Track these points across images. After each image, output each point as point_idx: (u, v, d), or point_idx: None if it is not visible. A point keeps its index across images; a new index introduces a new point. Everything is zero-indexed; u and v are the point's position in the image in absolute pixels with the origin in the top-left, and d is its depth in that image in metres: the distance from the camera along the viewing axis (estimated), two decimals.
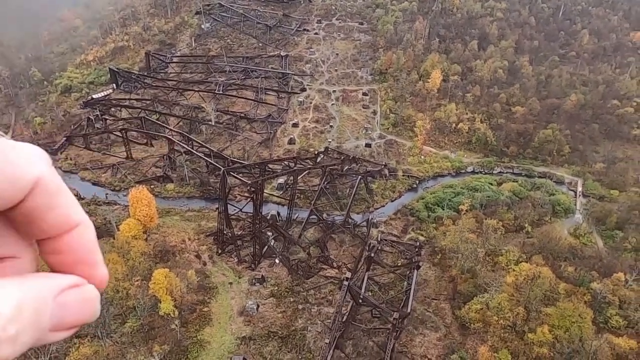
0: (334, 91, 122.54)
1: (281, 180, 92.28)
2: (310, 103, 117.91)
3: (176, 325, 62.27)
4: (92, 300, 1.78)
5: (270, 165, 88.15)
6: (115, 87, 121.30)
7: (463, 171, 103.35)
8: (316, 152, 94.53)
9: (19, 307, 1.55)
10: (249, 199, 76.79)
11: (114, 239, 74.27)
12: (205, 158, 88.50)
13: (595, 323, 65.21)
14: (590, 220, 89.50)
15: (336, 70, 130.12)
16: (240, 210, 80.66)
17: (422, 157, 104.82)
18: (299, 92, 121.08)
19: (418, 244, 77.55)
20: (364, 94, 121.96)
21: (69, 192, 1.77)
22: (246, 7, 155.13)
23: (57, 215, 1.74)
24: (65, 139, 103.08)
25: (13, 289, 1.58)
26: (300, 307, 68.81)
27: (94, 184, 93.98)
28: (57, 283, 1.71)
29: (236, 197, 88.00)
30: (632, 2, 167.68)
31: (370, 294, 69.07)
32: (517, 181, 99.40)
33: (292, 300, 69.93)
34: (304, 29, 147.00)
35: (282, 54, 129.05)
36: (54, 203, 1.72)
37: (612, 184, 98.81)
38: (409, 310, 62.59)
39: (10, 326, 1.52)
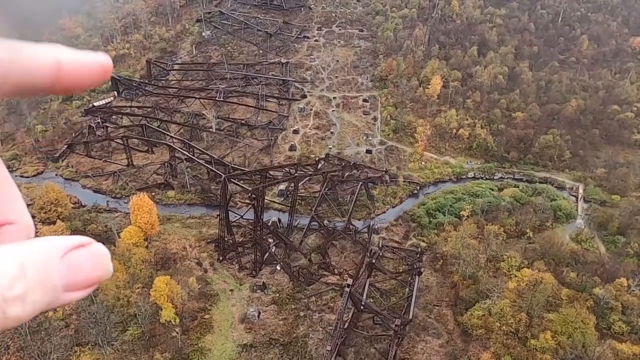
0: (335, 98, 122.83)
1: (282, 186, 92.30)
2: (311, 110, 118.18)
3: (177, 333, 62.10)
4: (102, 257, 1.78)
5: (271, 172, 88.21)
6: (116, 94, 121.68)
7: (464, 177, 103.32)
8: (317, 159, 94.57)
9: (22, 266, 1.56)
10: (250, 206, 76.75)
11: (115, 246, 74.23)
12: (206, 165, 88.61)
13: (598, 329, 64.94)
14: (592, 226, 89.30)
15: (336, 77, 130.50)
16: (241, 217, 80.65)
17: (423, 163, 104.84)
18: (299, 98, 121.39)
19: (419, 250, 77.43)
20: (365, 100, 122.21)
21: None
22: (247, 14, 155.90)
23: (33, 71, 1.72)
24: (66, 146, 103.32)
25: (15, 250, 1.60)
26: (301, 314, 68.60)
27: (95, 191, 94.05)
28: (61, 243, 1.71)
29: (237, 204, 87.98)
30: (631, 8, 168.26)
31: (371, 300, 68.88)
32: (518, 187, 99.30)
33: (293, 307, 69.73)
34: (305, 36, 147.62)
35: (283, 61, 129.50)
36: (21, 67, 1.69)
37: (614, 189, 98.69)
38: (410, 317, 62.37)
39: (17, 284, 1.53)
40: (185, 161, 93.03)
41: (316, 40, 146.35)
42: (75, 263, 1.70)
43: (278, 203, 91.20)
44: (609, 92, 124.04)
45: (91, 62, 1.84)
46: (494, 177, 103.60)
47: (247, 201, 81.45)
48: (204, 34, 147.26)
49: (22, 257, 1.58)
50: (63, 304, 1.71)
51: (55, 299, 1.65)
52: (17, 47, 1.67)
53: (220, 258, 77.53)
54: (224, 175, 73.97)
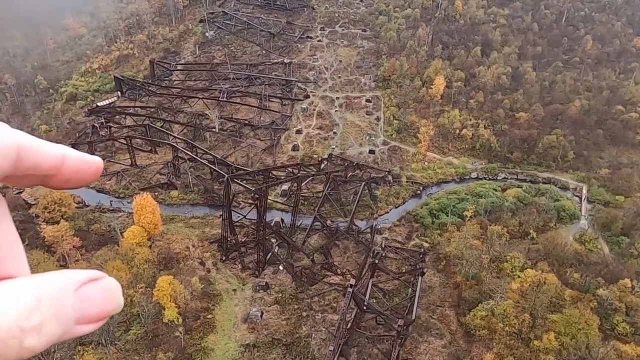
0: (338, 98, 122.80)
1: (285, 186, 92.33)
2: (314, 110, 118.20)
3: (180, 333, 62.19)
4: (113, 291, 1.83)
5: (274, 172, 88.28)
6: (120, 94, 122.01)
7: (467, 177, 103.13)
8: (320, 159, 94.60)
9: (38, 298, 1.62)
10: (252, 206, 76.85)
11: (118, 246, 74.49)
12: (209, 165, 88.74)
13: (602, 330, 64.71)
14: (596, 226, 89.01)
15: (339, 77, 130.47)
16: (244, 217, 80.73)
17: (426, 163, 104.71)
18: (302, 99, 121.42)
19: (422, 250, 77.30)
20: (368, 100, 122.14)
21: (36, 139, 1.89)
22: (250, 14, 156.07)
23: (44, 159, 1.88)
24: (70, 146, 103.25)
25: (32, 283, 1.67)
26: (304, 314, 68.60)
27: (98, 191, 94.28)
28: (75, 277, 1.77)
29: (240, 204, 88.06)
30: (636, 8, 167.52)
31: (374, 300, 68.84)
32: (521, 187, 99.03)
33: (296, 307, 69.74)
34: (308, 37, 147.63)
35: (286, 61, 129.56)
36: (37, 154, 1.85)
37: (618, 190, 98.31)
38: (413, 317, 62.28)
39: (34, 316, 1.59)
40: (188, 161, 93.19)
41: (319, 41, 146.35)
42: (88, 297, 1.76)
43: (281, 203, 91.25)
44: (613, 92, 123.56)
45: (89, 160, 2.04)
46: (497, 178, 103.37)
47: (250, 201, 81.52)
48: (207, 34, 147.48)
49: (38, 289, 1.65)
50: (73, 336, 1.75)
51: (67, 332, 1.71)
52: (36, 139, 1.87)
53: (223, 258, 77.63)
54: (227, 175, 74.07)
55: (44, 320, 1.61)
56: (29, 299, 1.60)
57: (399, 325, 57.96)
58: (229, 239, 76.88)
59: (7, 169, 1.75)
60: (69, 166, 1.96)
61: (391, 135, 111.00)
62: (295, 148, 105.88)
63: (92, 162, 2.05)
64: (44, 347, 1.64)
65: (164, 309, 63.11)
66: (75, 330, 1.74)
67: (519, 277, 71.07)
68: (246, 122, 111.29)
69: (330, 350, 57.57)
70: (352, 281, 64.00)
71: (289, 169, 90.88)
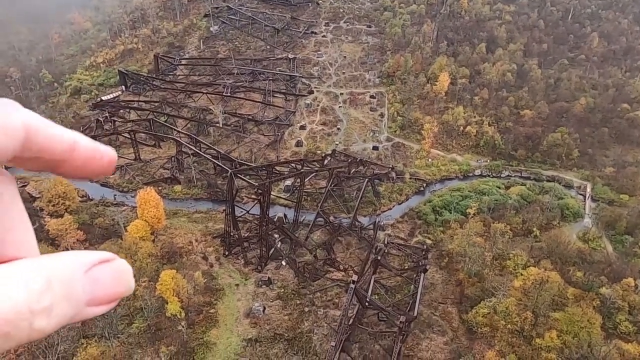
0: (342, 94, 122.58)
1: (288, 182, 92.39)
2: (318, 105, 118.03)
3: (183, 327, 62.44)
4: (124, 273, 1.82)
5: (278, 168, 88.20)
6: (124, 89, 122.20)
7: (471, 174, 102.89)
8: (323, 155, 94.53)
9: (49, 279, 1.61)
10: (256, 201, 76.95)
11: (121, 240, 74.72)
12: (213, 160, 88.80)
13: (605, 329, 64.54)
14: (600, 225, 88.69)
15: (344, 72, 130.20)
16: (247, 212, 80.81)
17: (430, 160, 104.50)
18: (306, 94, 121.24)
19: (425, 247, 77.29)
20: (372, 96, 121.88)
21: (50, 122, 1.85)
22: (254, 9, 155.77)
23: (55, 142, 1.83)
24: None
25: (42, 264, 1.65)
26: (306, 309, 68.75)
27: (102, 185, 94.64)
28: (86, 258, 1.75)
29: (243, 199, 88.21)
30: None
31: (376, 297, 68.90)
32: (525, 185, 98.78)
33: (298, 302, 69.90)
34: (312, 32, 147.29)
35: (290, 56, 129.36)
36: (47, 136, 1.80)
37: (622, 188, 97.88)
38: (415, 314, 62.35)
39: (44, 297, 1.58)
40: (192, 156, 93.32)
41: (324, 36, 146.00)
42: (98, 278, 1.74)
43: (284, 199, 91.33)
44: (619, 90, 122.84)
45: (103, 150, 1.97)
46: (501, 175, 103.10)
47: (253, 196, 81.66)
48: (211, 29, 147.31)
49: (49, 270, 1.63)
50: (84, 318, 1.75)
51: (78, 313, 1.70)
52: (46, 121, 1.83)
53: (226, 253, 77.82)
54: (230, 171, 74.13)
55: (54, 302, 1.60)
56: (40, 280, 1.59)
57: (400, 322, 58.02)
58: (232, 233, 77.04)
59: (16, 148, 1.71)
60: (80, 153, 1.90)
61: (395, 131, 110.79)
62: (298, 144, 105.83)
63: (105, 153, 1.98)
64: (54, 329, 1.63)
65: (167, 303, 63.36)
66: (86, 312, 1.72)
67: (521, 275, 70.91)
68: (250, 117, 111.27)
69: (332, 346, 57.70)
70: (355, 277, 63.97)
71: (293, 164, 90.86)
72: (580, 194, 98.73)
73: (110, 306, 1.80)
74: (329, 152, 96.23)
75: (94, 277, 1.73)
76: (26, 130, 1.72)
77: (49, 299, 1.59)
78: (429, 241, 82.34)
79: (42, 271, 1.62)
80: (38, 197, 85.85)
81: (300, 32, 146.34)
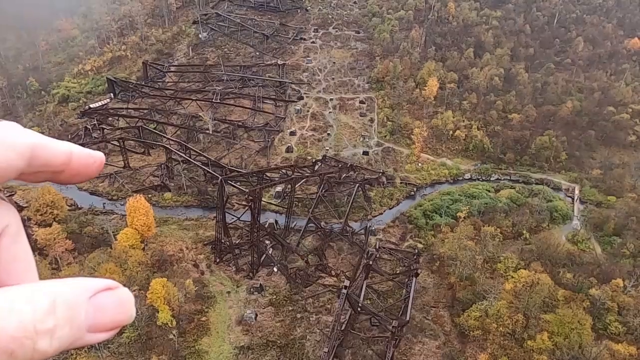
0: (331, 99, 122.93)
1: (279, 188, 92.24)
2: (308, 111, 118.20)
3: (174, 335, 61.91)
4: (127, 302, 1.86)
5: (268, 174, 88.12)
6: (112, 96, 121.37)
7: (460, 178, 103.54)
8: (314, 160, 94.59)
9: (54, 302, 1.65)
10: (246, 208, 76.67)
11: (111, 248, 74.00)
12: (203, 167, 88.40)
13: (595, 330, 65.10)
14: (588, 227, 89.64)
15: (333, 78, 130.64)
16: (238, 218, 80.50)
17: (420, 164, 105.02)
18: (296, 100, 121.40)
19: (416, 251, 77.51)
20: (361, 102, 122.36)
21: (47, 138, 1.99)
22: (243, 16, 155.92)
23: (55, 156, 1.98)
24: None
25: (48, 286, 1.70)
26: (298, 315, 68.53)
27: (91, 193, 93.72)
28: (90, 285, 1.79)
29: (234, 205, 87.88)
30: (626, 10, 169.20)
31: (368, 302, 68.88)
32: (514, 188, 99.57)
33: (290, 309, 69.65)
34: (301, 38, 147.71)
35: (279, 62, 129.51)
36: (48, 152, 1.95)
37: (609, 190, 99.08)
38: (407, 318, 62.43)
39: (48, 319, 1.61)
40: (181, 163, 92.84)
41: (313, 42, 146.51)
42: (102, 305, 1.77)
43: (275, 205, 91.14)
44: (605, 93, 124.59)
45: (94, 155, 2.16)
46: (491, 179, 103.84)
47: (244, 203, 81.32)
48: (200, 35, 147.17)
49: (54, 293, 1.68)
50: (84, 344, 1.78)
51: (79, 338, 1.72)
52: (46, 138, 1.98)
53: (217, 260, 77.38)
54: (220, 177, 73.85)
55: (57, 324, 1.63)
56: (45, 302, 1.63)
57: (393, 327, 58.06)
58: (222, 240, 76.66)
59: (22, 167, 1.84)
60: (76, 161, 2.06)
61: (385, 136, 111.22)
62: (289, 149, 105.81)
63: (96, 157, 2.16)
64: (55, 352, 1.65)
65: (158, 312, 62.82)
66: (86, 338, 1.75)
67: (512, 277, 71.39)
68: (240, 123, 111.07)
69: (325, 352, 57.52)
70: (347, 282, 63.96)
71: (283, 170, 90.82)
72: (569, 196, 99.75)
73: (110, 334, 1.81)
74: (320, 157, 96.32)
75: (98, 304, 1.76)
76: (32, 150, 1.85)
77: (53, 321, 1.63)
78: (420, 245, 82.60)
79: (48, 293, 1.66)
80: (25, 207, 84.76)
81: (290, 38, 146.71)
